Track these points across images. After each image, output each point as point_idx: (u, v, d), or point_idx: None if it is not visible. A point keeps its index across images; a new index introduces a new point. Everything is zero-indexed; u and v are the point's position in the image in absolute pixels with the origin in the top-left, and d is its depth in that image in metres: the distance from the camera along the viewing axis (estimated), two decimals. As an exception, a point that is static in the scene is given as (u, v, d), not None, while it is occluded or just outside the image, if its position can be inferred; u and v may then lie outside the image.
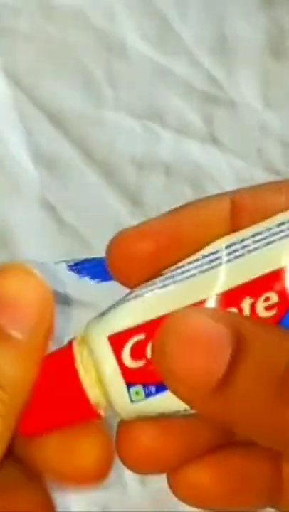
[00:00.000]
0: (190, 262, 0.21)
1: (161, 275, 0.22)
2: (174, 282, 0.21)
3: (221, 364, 0.19)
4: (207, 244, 0.21)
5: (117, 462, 0.38)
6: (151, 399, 0.21)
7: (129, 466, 0.23)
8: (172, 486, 0.23)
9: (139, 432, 0.22)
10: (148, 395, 0.21)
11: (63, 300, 0.38)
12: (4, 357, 0.21)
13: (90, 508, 0.37)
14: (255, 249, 0.21)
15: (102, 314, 0.22)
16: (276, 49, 0.43)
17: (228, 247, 0.21)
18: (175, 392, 0.20)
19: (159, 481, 0.38)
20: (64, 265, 0.37)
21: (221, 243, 0.21)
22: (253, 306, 0.21)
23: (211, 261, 0.21)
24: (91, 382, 0.21)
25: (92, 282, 0.37)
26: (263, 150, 0.41)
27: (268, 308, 0.21)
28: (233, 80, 0.42)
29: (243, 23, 0.43)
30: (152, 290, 0.21)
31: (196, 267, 0.21)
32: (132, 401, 0.21)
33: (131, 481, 0.38)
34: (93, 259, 0.37)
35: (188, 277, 0.21)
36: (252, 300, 0.21)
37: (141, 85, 0.42)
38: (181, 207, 0.22)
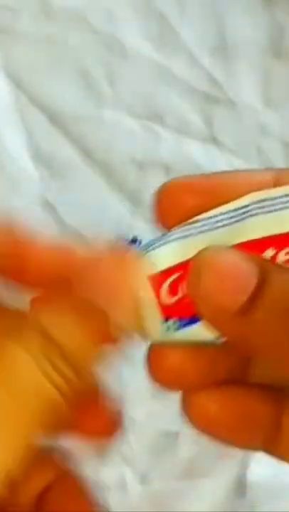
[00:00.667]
0: (223, 213, 0.24)
1: (198, 221, 0.24)
2: (209, 230, 0.24)
3: (246, 291, 0.22)
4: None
5: (117, 463, 0.38)
6: (181, 331, 0.24)
7: (156, 379, 0.25)
8: (183, 406, 0.26)
9: (170, 351, 0.25)
10: (179, 327, 0.24)
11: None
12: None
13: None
14: (284, 208, 0.23)
15: (146, 250, 0.24)
16: (276, 49, 0.43)
17: (259, 201, 0.23)
18: (203, 314, 0.23)
19: (160, 482, 0.38)
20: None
21: (252, 197, 0.24)
22: (274, 257, 0.23)
23: (243, 213, 0.24)
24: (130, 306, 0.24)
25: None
26: (263, 150, 0.41)
27: (288, 262, 0.23)
28: (233, 80, 0.42)
29: (243, 23, 0.43)
30: (190, 235, 0.24)
31: (228, 218, 0.24)
32: (165, 332, 0.24)
33: (131, 481, 0.38)
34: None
35: (221, 226, 0.24)
36: (275, 251, 0.23)
37: (141, 85, 0.42)
38: (228, 171, 0.26)
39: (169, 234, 0.24)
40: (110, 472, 0.38)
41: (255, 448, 0.27)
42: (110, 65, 0.42)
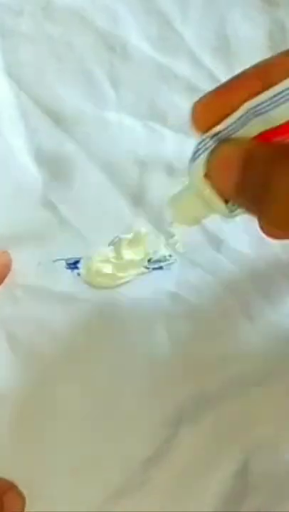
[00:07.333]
0: (236, 118, 0.31)
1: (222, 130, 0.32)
2: (229, 134, 0.31)
3: (233, 178, 0.31)
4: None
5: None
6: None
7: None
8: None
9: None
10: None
11: (63, 298, 0.38)
12: None
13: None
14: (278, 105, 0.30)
15: (193, 159, 0.32)
16: (277, 49, 0.42)
17: (254, 107, 0.31)
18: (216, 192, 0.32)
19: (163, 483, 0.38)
20: (63, 264, 0.37)
21: (248, 105, 0.31)
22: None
23: (246, 117, 0.31)
24: None
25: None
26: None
27: None
28: (235, 80, 0.42)
29: (244, 24, 0.43)
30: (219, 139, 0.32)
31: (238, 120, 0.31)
32: (230, 209, 0.32)
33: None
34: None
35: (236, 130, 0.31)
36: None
37: (143, 85, 0.42)
38: (229, 83, 0.33)
39: (203, 142, 0.32)
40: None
41: None
42: (112, 66, 0.42)
